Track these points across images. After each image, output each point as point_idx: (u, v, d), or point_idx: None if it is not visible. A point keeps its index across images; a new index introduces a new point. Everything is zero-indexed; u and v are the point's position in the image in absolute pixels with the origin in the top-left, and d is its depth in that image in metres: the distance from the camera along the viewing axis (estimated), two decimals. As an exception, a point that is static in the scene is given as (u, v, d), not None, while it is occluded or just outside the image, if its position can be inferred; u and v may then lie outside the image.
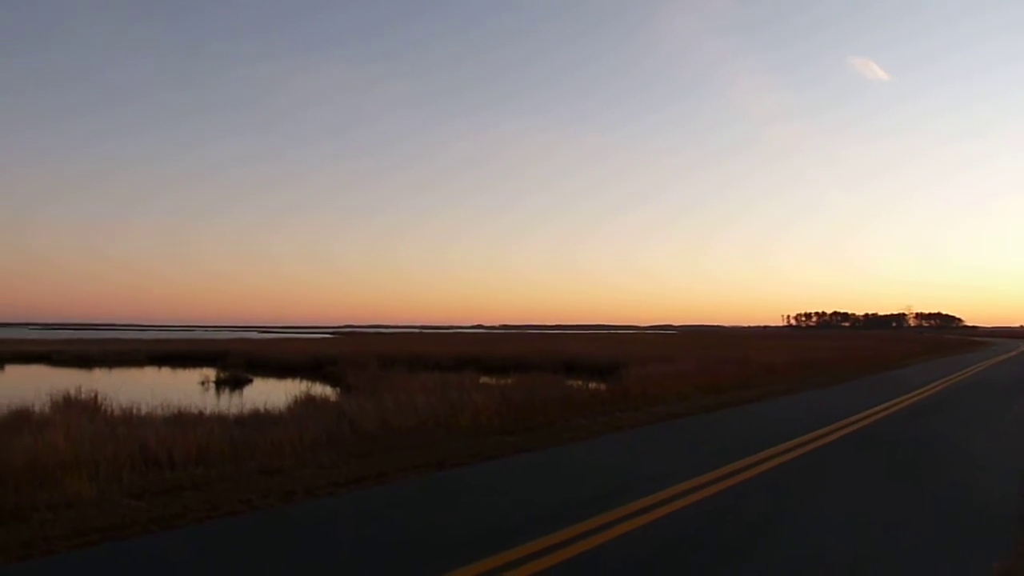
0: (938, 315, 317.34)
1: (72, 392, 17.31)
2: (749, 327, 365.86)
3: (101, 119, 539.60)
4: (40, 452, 8.87)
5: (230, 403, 21.81)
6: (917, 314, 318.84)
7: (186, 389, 28.58)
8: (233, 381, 32.59)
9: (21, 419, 12.94)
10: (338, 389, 25.60)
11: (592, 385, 21.55)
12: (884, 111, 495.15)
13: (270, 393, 24.33)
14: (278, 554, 5.66)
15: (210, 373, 35.61)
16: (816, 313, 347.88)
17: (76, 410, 14.56)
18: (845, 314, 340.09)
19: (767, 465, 9.49)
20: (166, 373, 41.81)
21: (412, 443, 11.39)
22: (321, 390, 23.66)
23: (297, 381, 32.90)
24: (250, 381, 33.62)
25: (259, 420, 12.97)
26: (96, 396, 17.12)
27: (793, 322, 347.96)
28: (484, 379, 24.00)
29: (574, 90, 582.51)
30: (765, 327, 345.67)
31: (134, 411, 14.07)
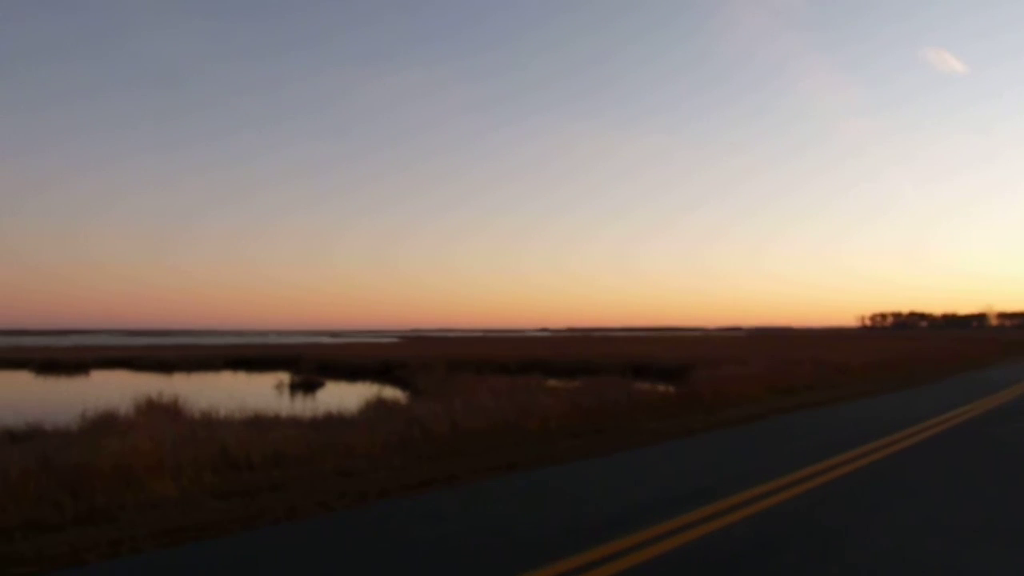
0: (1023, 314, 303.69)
1: (154, 396, 17.95)
2: (821, 328, 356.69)
3: (174, 127, 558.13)
4: (126, 454, 9.22)
5: (304, 406, 22.32)
6: (1000, 313, 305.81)
7: (261, 393, 29.34)
8: (306, 385, 33.30)
9: (107, 422, 13.49)
10: (407, 392, 25.94)
11: (660, 388, 21.33)
12: (962, 106, 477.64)
13: (341, 396, 24.83)
14: (354, 555, 5.77)
15: (283, 377, 36.51)
16: (892, 313, 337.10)
17: (158, 413, 15.10)
18: (922, 314, 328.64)
19: (845, 469, 9.25)
20: (241, 377, 42.96)
21: (482, 446, 11.47)
22: (391, 393, 24.02)
23: (367, 385, 33.46)
24: (322, 385, 34.29)
25: (332, 423, 13.23)
26: (176, 400, 17.71)
27: (868, 322, 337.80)
28: (551, 382, 24.00)
29: (637, 90, 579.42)
30: (838, 328, 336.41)
31: (213, 414, 14.52)
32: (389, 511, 7.37)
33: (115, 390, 24.72)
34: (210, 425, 12.57)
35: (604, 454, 10.86)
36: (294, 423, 13.11)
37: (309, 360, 46.51)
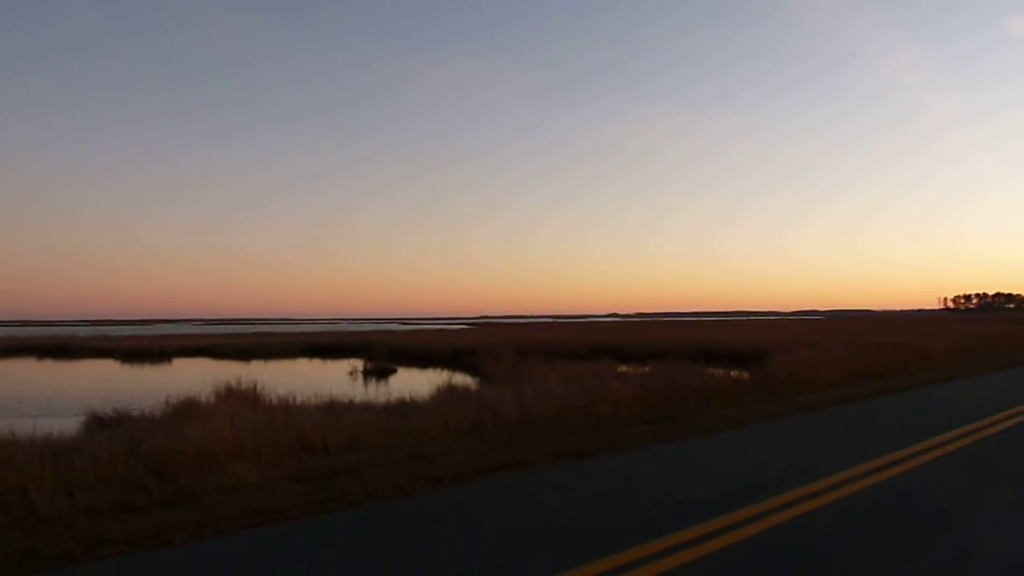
0: None
1: (233, 383, 18.46)
2: (901, 311, 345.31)
3: (237, 116, 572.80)
4: (208, 439, 9.50)
5: (377, 392, 22.68)
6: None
7: (335, 379, 29.93)
8: (378, 371, 33.83)
9: (190, 408, 13.93)
10: (477, 378, 26.11)
11: (734, 373, 20.95)
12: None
13: (413, 382, 25.14)
14: (429, 538, 5.81)
15: (357, 364, 37.16)
16: (976, 295, 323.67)
17: (238, 400, 15.53)
18: (1009, 295, 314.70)
19: (929, 455, 8.92)
20: (316, 364, 43.93)
21: (552, 432, 11.45)
22: (461, 380, 24.22)
23: (438, 371, 33.82)
24: (394, 371, 34.81)
25: (405, 408, 13.40)
26: (255, 386, 18.19)
27: (950, 305, 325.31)
28: (621, 368, 23.84)
29: (710, 71, 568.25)
30: (919, 311, 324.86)
31: (290, 401, 14.87)
32: (463, 496, 7.42)
33: (196, 377, 25.55)
34: (287, 411, 12.87)
35: (676, 440, 10.72)
36: (368, 409, 13.32)
37: (381, 347, 47.20)
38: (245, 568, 5.15)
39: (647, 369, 21.61)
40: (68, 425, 13.81)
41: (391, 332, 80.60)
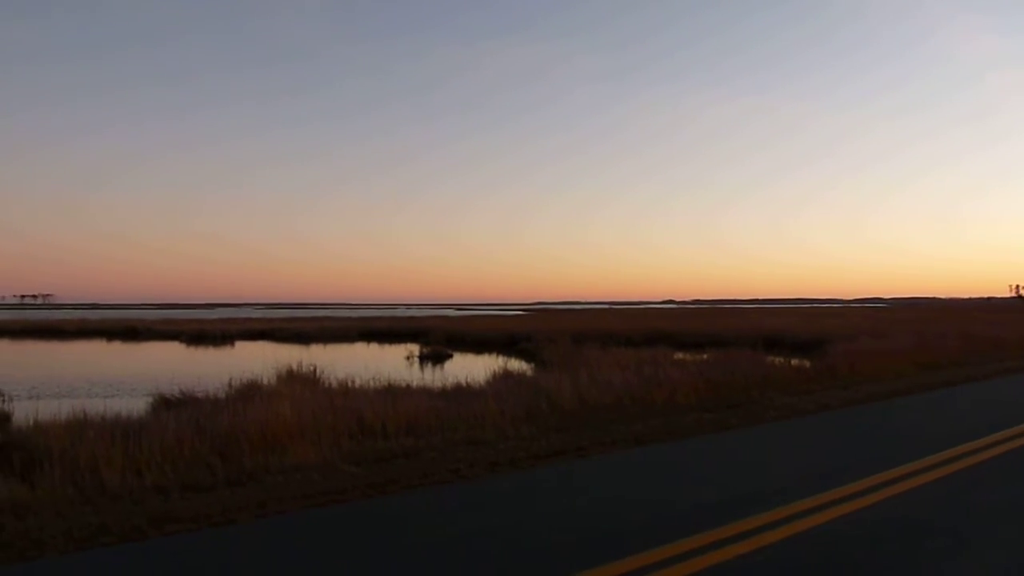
0: None
1: (294, 366, 18.82)
2: (968, 299, 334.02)
3: (301, 103, 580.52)
4: (270, 421, 9.71)
5: (433, 377, 22.88)
6: None
7: (392, 363, 30.31)
8: (434, 356, 34.13)
9: (252, 391, 14.25)
10: (532, 365, 26.13)
11: (794, 362, 20.56)
12: None
13: (469, 368, 25.29)
14: (486, 521, 5.84)
15: (413, 348, 37.56)
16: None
17: (298, 383, 15.83)
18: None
19: (999, 449, 8.61)
20: (374, 348, 44.52)
21: (608, 418, 11.39)
22: (516, 365, 24.26)
23: (493, 356, 33.97)
24: (450, 356, 35.07)
25: (461, 393, 13.49)
26: (315, 370, 18.50)
27: (1022, 292, 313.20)
28: (678, 355, 23.58)
29: (772, 56, 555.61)
30: (988, 298, 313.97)
31: (349, 384, 15.09)
32: (519, 481, 7.43)
33: (257, 360, 26.15)
34: (346, 394, 13.07)
35: (734, 429, 10.57)
36: (425, 393, 13.44)
37: (437, 332, 47.59)
38: (306, 547, 5.25)
39: (705, 357, 21.34)
40: (136, 405, 14.27)
41: (447, 317, 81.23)
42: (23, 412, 13.05)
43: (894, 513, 5.96)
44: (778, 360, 20.78)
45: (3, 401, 14.68)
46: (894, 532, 5.47)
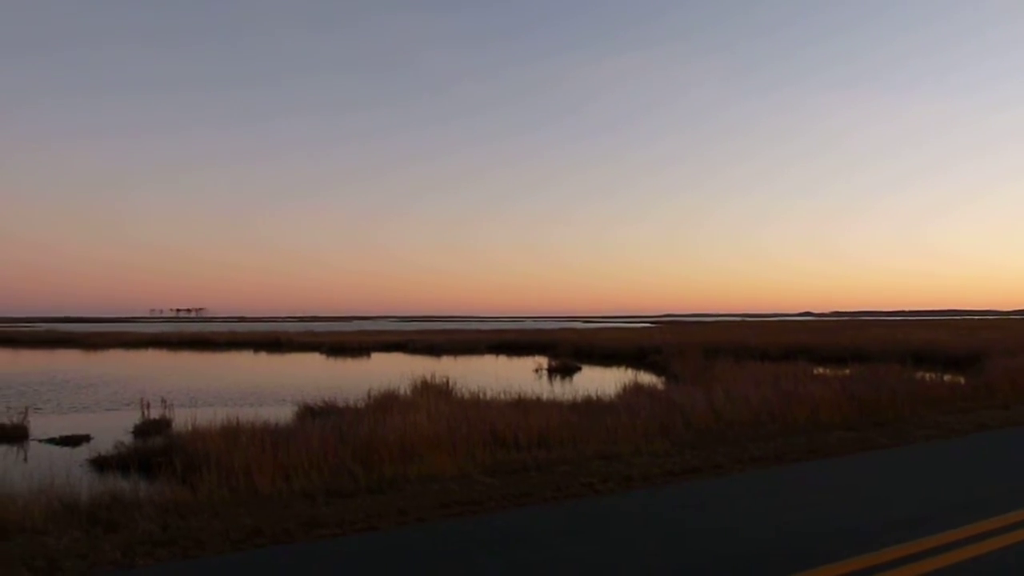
0: None
1: (427, 378, 19.32)
2: None
3: (410, 108, 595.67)
4: (407, 431, 10.00)
5: (562, 389, 22.90)
6: None
7: (521, 376, 30.56)
8: (563, 369, 34.15)
9: (390, 401, 14.73)
10: (663, 378, 25.71)
11: (947, 378, 19.28)
12: None
13: (598, 381, 25.17)
14: (621, 539, 5.76)
15: (541, 361, 37.75)
16: None
17: (432, 394, 16.22)
18: None
19: None
20: (502, 361, 45.04)
21: (746, 435, 11.05)
22: (646, 379, 23.94)
23: (622, 370, 33.65)
24: (578, 369, 35.01)
25: (591, 407, 13.43)
26: (447, 381, 18.92)
27: None
28: (818, 370, 22.61)
29: (900, 56, 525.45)
30: None
31: (480, 396, 15.34)
32: (653, 497, 7.31)
33: (393, 371, 27.01)
34: (479, 406, 13.28)
35: (882, 448, 10.01)
36: (555, 406, 13.47)
37: (565, 345, 47.66)
38: (447, 557, 5.35)
39: (847, 372, 20.35)
40: (283, 413, 15.03)
41: (574, 330, 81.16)
42: (182, 419, 14.01)
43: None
44: (928, 376, 19.53)
45: (165, 408, 15.79)
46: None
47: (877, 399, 13.92)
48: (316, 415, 13.91)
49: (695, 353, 31.63)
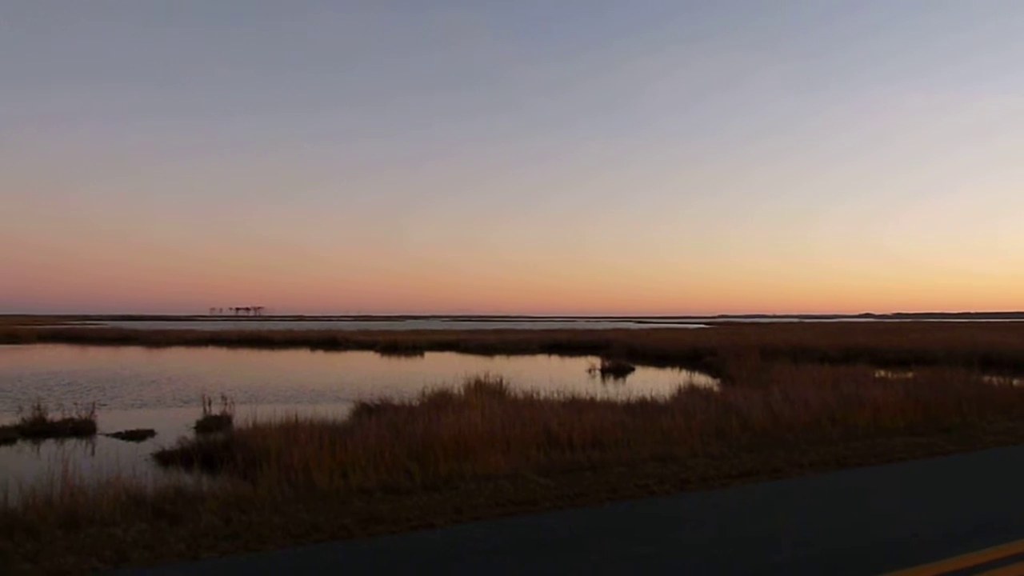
0: None
1: (480, 377, 19.38)
2: None
3: (490, 123, 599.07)
4: (462, 429, 10.04)
5: (616, 390, 22.75)
6: None
7: (574, 376, 30.45)
8: (616, 369, 33.89)
9: (444, 399, 14.82)
10: (718, 380, 25.37)
11: (1016, 382, 18.61)
12: None
13: (652, 382, 24.96)
14: (678, 544, 5.70)
15: (594, 361, 37.55)
16: None
17: (486, 393, 16.28)
18: None
19: None
20: (555, 361, 44.94)
21: (805, 439, 10.83)
22: (701, 380, 23.66)
23: (676, 371, 33.29)
24: (631, 370, 34.73)
25: (646, 408, 13.31)
26: (500, 381, 18.97)
27: None
28: (880, 373, 22.05)
29: (959, 51, 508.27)
30: None
31: (533, 395, 15.33)
32: (711, 501, 7.21)
33: (446, 370, 27.19)
34: (532, 405, 13.28)
35: (949, 454, 9.72)
36: (609, 406, 13.39)
37: (618, 345, 47.34)
38: (503, 556, 5.35)
39: (910, 375, 19.80)
40: (340, 411, 15.24)
41: (627, 330, 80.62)
42: (242, 415, 14.32)
43: None
44: (996, 380, 18.88)
45: (226, 405, 16.15)
46: None
47: (942, 403, 13.52)
48: (372, 413, 14.06)
49: (751, 355, 31.14)
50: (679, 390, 17.10)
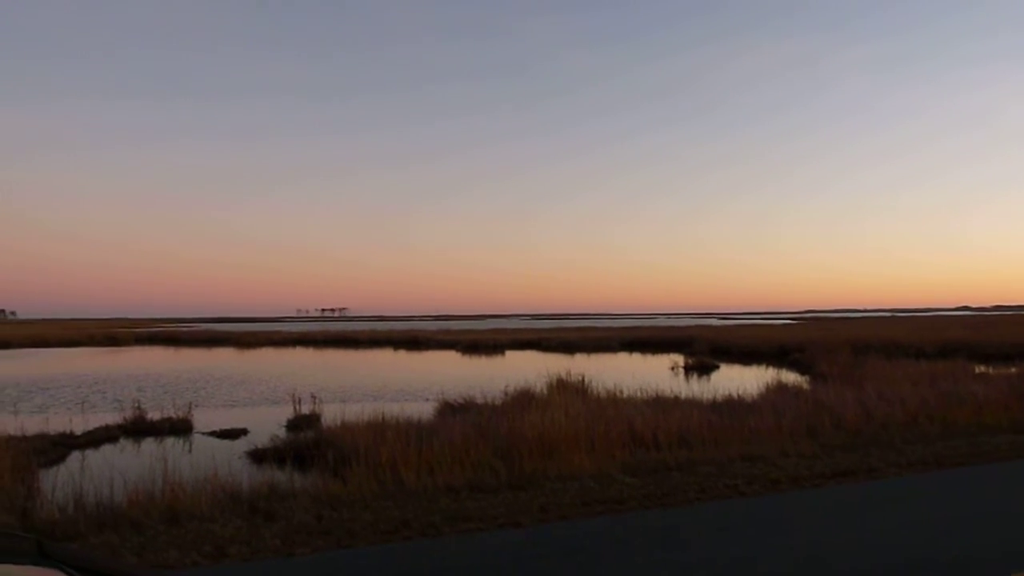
0: None
1: (563, 375, 19.32)
2: None
3: (537, 112, 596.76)
4: (546, 428, 10.02)
5: (700, 388, 22.39)
6: None
7: (657, 374, 30.09)
8: (699, 367, 33.36)
9: (526, 398, 14.83)
10: (807, 377, 24.66)
11: None
12: None
13: (738, 379, 24.45)
14: (771, 546, 5.56)
15: (677, 359, 37.00)
16: None
17: (568, 391, 16.22)
18: None
19: None
20: (637, 358, 44.53)
21: (901, 438, 10.43)
22: (789, 378, 23.06)
23: (762, 368, 32.53)
24: (716, 367, 34.11)
25: (733, 406, 13.03)
26: (583, 379, 18.87)
27: None
28: (980, 368, 21.07)
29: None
30: None
31: (616, 393, 15.20)
32: (803, 502, 7.02)
33: (527, 369, 27.25)
34: (615, 404, 13.16)
35: (1060, 454, 9.21)
36: (694, 405, 13.16)
37: (701, 342, 46.53)
38: (590, 555, 5.32)
39: (1013, 370, 18.86)
40: (424, 409, 15.44)
41: (711, 327, 79.23)
42: (330, 414, 14.66)
43: None
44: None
45: (315, 404, 16.57)
46: None
47: (1051, 400, 12.83)
48: (456, 411, 14.19)
49: (842, 351, 30.19)
50: (767, 388, 16.71)
